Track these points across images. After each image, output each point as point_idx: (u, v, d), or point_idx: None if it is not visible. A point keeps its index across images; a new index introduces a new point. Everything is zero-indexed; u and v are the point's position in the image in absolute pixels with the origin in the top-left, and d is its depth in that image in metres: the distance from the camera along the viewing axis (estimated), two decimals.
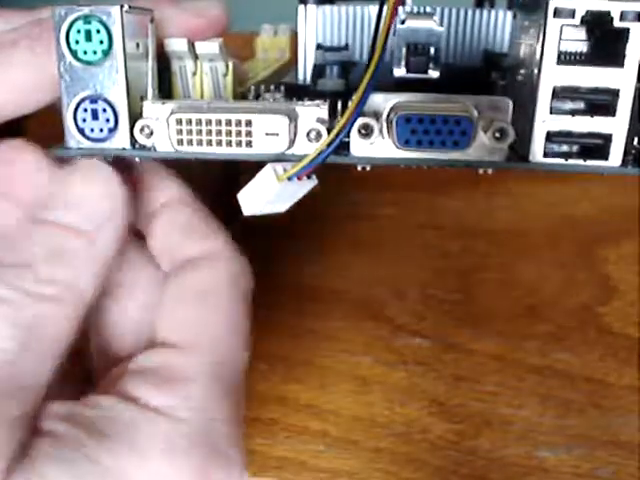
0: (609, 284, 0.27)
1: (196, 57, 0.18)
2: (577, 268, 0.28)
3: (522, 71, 0.17)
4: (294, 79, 0.22)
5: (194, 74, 0.18)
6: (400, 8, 0.20)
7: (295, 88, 0.20)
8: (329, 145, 0.16)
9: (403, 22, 0.18)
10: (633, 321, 0.26)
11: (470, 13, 0.21)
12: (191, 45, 0.18)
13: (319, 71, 0.20)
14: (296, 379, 0.23)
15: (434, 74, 0.18)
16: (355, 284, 0.27)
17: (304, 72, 0.22)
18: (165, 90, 0.18)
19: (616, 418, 0.22)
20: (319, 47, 0.21)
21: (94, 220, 0.16)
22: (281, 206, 0.18)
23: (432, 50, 0.18)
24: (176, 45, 0.18)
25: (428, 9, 0.21)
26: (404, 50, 0.18)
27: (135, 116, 0.17)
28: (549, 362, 0.24)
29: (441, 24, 0.19)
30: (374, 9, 0.21)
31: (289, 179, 0.16)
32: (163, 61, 0.18)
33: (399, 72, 0.18)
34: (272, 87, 0.19)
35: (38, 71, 0.18)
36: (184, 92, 0.19)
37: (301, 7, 0.21)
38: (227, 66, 0.18)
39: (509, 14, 0.21)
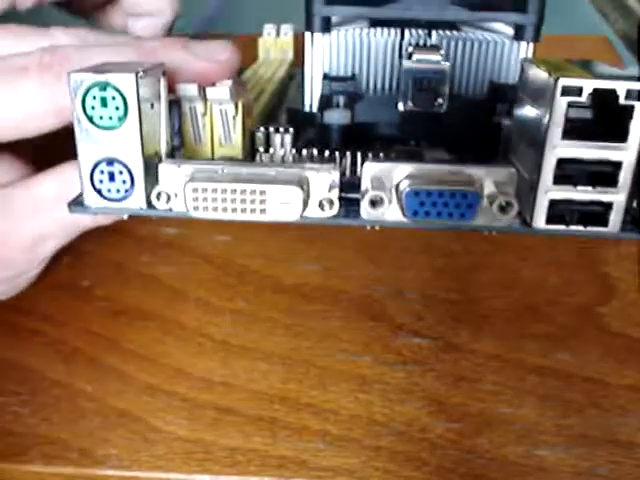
0: (609, 284, 0.27)
1: (206, 100, 0.18)
2: (577, 268, 0.28)
3: (527, 134, 0.18)
4: (299, 95, 0.22)
5: (204, 115, 0.19)
6: (406, 40, 0.20)
7: (301, 118, 0.21)
8: None
9: (410, 56, 0.19)
10: (633, 321, 0.26)
11: (476, 44, 0.21)
12: (202, 90, 0.18)
13: (326, 102, 0.20)
14: (296, 378, 0.23)
15: (440, 108, 0.19)
16: (355, 284, 0.27)
17: (310, 100, 0.22)
18: (175, 126, 0.19)
19: (615, 418, 0.22)
20: (325, 77, 0.21)
21: None
22: None
23: (438, 85, 0.19)
24: (187, 91, 0.18)
25: (434, 39, 0.21)
26: (410, 85, 0.19)
27: (150, 171, 0.17)
28: (549, 362, 0.24)
29: (447, 55, 0.19)
30: (381, 35, 0.21)
31: None
32: (173, 98, 0.19)
33: (405, 107, 0.19)
34: (282, 129, 0.19)
35: (45, 100, 0.18)
36: (195, 131, 0.19)
37: (307, 34, 0.21)
38: (237, 108, 0.19)
39: (515, 44, 0.21)
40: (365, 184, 0.17)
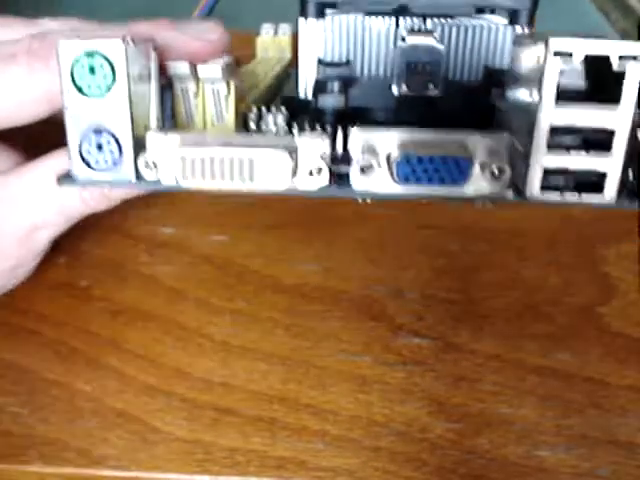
0: (609, 284, 0.27)
1: (198, 79, 0.18)
2: (577, 268, 0.28)
3: (520, 99, 0.18)
4: (294, 90, 0.22)
5: (196, 95, 0.19)
6: (401, 25, 0.20)
7: (294, 103, 0.20)
8: None
9: (403, 39, 0.19)
10: (633, 321, 0.26)
11: (471, 28, 0.21)
12: (193, 68, 0.18)
13: (320, 87, 0.20)
14: (295, 379, 0.23)
15: (434, 92, 0.19)
16: (355, 284, 0.27)
17: (305, 86, 0.22)
18: (168, 110, 0.19)
19: (616, 418, 0.22)
20: (320, 62, 0.21)
21: None
22: None
23: (432, 68, 0.18)
24: (178, 69, 0.18)
25: (429, 25, 0.21)
26: (404, 68, 0.19)
27: (139, 145, 0.17)
28: (549, 362, 0.24)
29: (442, 41, 0.19)
30: (376, 22, 0.21)
31: None
32: (165, 81, 0.19)
33: (399, 91, 0.19)
34: (274, 109, 0.19)
35: (35, 87, 0.18)
36: (187, 112, 0.19)
37: (302, 20, 0.21)
38: (229, 88, 0.19)
39: (509, 29, 0.21)
40: (354, 151, 0.17)
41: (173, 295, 0.27)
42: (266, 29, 0.32)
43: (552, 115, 0.16)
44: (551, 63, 0.16)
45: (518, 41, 0.19)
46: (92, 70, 0.16)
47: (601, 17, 0.48)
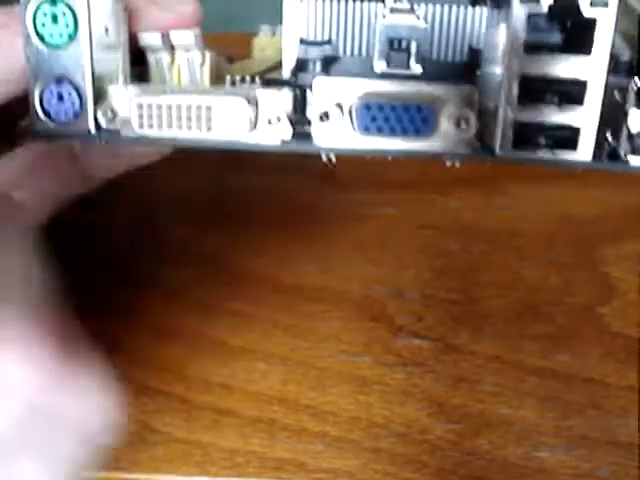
0: (609, 284, 0.27)
1: (172, 48, 0.18)
2: (577, 268, 0.28)
3: (492, 60, 0.17)
4: (280, 76, 0.22)
5: (171, 65, 0.18)
6: (386, 6, 0.20)
7: (275, 82, 0.20)
8: None
9: (384, 17, 0.18)
10: (633, 321, 0.26)
11: (455, 9, 0.21)
12: (166, 37, 0.18)
13: (301, 66, 0.20)
14: (295, 379, 0.23)
15: (416, 70, 0.18)
16: (355, 284, 0.27)
17: (288, 67, 0.22)
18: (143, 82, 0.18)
19: (616, 419, 0.22)
20: (302, 41, 0.21)
21: None
22: None
23: (414, 45, 0.18)
24: (149, 39, 0.18)
25: (412, 5, 0.21)
26: (385, 45, 0.18)
27: (102, 99, 0.17)
28: (549, 363, 0.24)
29: (425, 20, 0.19)
30: (359, 4, 0.21)
31: None
32: (139, 54, 0.18)
33: (380, 67, 0.18)
34: (248, 78, 0.19)
35: (5, 61, 0.18)
36: (162, 83, 0.19)
37: (286, 2, 0.21)
38: (204, 56, 0.18)
39: (495, 11, 0.21)
40: (317, 100, 0.16)
41: (173, 295, 0.26)
42: (264, 31, 0.32)
43: (522, 64, 0.16)
44: (517, 8, 0.15)
45: (492, 18, 0.18)
46: (54, 18, 0.16)
47: None
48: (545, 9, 0.15)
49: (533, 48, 0.16)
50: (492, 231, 0.30)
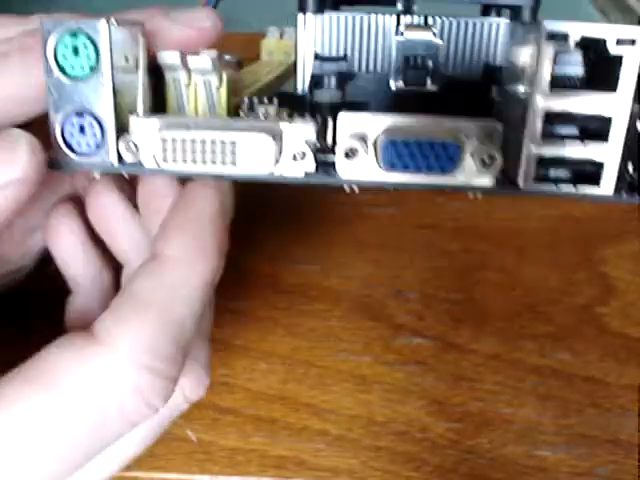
0: (608, 284, 0.27)
1: (189, 70, 0.18)
2: (577, 268, 0.28)
3: (516, 91, 0.17)
4: (293, 88, 0.22)
5: (187, 86, 0.18)
6: (402, 21, 0.20)
7: (291, 99, 0.20)
8: None
9: (401, 34, 0.18)
10: (633, 321, 0.26)
11: (471, 25, 0.21)
12: (184, 58, 0.18)
13: (316, 81, 0.20)
14: (296, 378, 0.23)
15: (432, 88, 0.18)
16: (355, 284, 0.27)
17: (303, 82, 0.22)
18: (160, 102, 0.18)
19: (615, 418, 0.22)
20: (317, 57, 0.21)
21: None
22: None
23: (430, 63, 0.18)
24: (168, 58, 0.18)
25: (429, 21, 0.21)
26: (401, 62, 0.18)
27: (123, 130, 0.17)
28: (548, 362, 0.24)
29: (441, 36, 0.19)
30: (374, 19, 0.21)
31: None
32: (157, 72, 0.18)
33: (396, 85, 0.18)
34: (266, 100, 0.19)
35: (29, 83, 0.18)
36: (178, 104, 0.19)
37: (300, 15, 0.21)
38: (220, 79, 0.18)
39: (510, 26, 0.21)
40: (341, 136, 0.16)
41: None
42: (272, 32, 0.32)
43: (546, 101, 0.16)
44: (545, 45, 0.15)
45: (515, 35, 0.18)
46: (75, 50, 0.16)
47: (601, 18, 0.48)
48: (572, 46, 0.15)
49: (558, 84, 0.16)
50: (492, 231, 0.30)
